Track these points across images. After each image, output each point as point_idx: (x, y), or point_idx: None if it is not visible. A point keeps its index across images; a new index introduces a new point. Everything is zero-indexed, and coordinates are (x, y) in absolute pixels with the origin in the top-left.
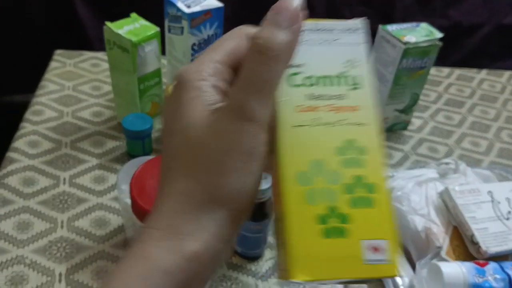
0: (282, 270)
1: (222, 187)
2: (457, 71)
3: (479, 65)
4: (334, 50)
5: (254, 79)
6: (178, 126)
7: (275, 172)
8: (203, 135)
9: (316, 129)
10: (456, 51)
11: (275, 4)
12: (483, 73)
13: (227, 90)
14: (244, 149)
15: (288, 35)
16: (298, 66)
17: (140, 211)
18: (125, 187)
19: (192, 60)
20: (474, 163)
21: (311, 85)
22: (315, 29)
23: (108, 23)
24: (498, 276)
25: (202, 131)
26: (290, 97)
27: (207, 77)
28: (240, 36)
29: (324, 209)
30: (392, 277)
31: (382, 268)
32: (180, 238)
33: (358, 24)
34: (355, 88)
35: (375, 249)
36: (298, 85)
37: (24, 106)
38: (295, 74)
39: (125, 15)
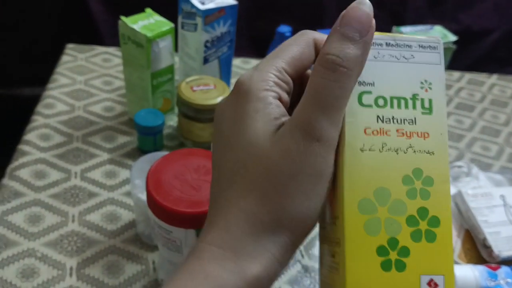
0: None
1: (289, 210)
2: (468, 75)
3: (489, 70)
4: (409, 69)
5: (324, 96)
6: (240, 140)
7: (337, 195)
8: (271, 153)
9: (385, 154)
10: (466, 56)
11: (344, 13)
12: (494, 78)
13: (288, 101)
14: (313, 171)
15: (360, 48)
16: (370, 84)
17: (155, 206)
18: (138, 182)
19: (204, 57)
20: (484, 167)
21: (382, 106)
22: (391, 43)
23: (123, 18)
24: (510, 280)
25: (270, 149)
26: (359, 118)
27: (271, 87)
28: (305, 42)
29: (386, 241)
30: None
31: None
32: (242, 259)
33: (437, 42)
34: (427, 113)
35: (433, 284)
36: (369, 105)
37: (33, 99)
38: (366, 93)
39: (138, 10)
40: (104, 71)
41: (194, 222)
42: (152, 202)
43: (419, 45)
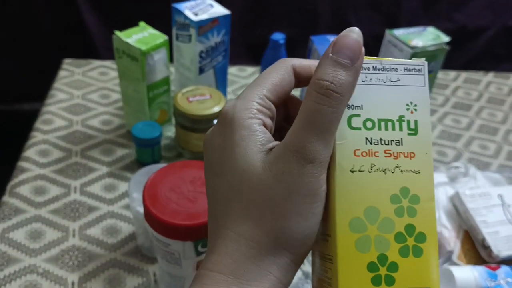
0: None
1: (287, 231)
2: (464, 74)
3: (485, 68)
4: (395, 92)
5: (318, 120)
6: (232, 168)
7: (329, 214)
8: (264, 177)
9: (373, 175)
10: (462, 54)
11: (335, 40)
12: (490, 75)
13: (272, 126)
14: (308, 192)
15: (352, 75)
16: (358, 107)
17: (153, 220)
18: (136, 195)
19: (199, 67)
20: (483, 166)
21: (370, 128)
22: (378, 67)
23: (117, 32)
24: (510, 280)
25: (262, 173)
26: (348, 140)
27: (256, 114)
28: (284, 69)
29: (376, 257)
30: None
31: None
32: (245, 283)
33: (421, 64)
34: (413, 134)
35: None
36: (358, 128)
37: (32, 114)
38: (355, 116)
39: (132, 23)
40: (101, 85)
41: (192, 234)
42: (149, 215)
43: (404, 68)
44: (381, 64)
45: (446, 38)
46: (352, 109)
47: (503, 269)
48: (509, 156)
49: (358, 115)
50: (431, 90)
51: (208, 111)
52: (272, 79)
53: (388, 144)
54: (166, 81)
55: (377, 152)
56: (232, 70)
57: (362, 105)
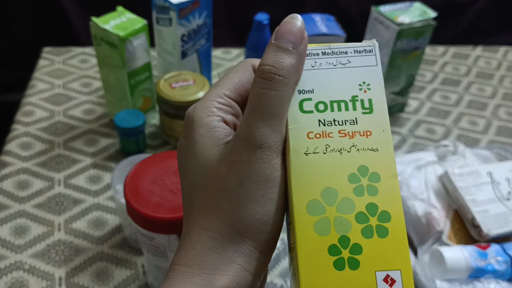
0: None
1: (244, 219)
2: (452, 49)
3: (474, 41)
4: (346, 73)
5: (262, 105)
6: (192, 164)
7: (288, 200)
8: (219, 169)
9: (329, 155)
10: (450, 29)
11: (277, 28)
12: (478, 50)
13: (235, 122)
14: (260, 178)
15: (294, 58)
16: (309, 91)
17: (135, 214)
18: (120, 187)
19: (182, 51)
20: (472, 142)
21: (323, 110)
22: (327, 52)
23: (94, 19)
24: (500, 258)
25: (218, 165)
26: (301, 124)
27: (214, 112)
28: (246, 68)
29: (337, 239)
30: None
31: None
32: (209, 273)
33: (372, 45)
34: (368, 112)
35: (390, 280)
36: (310, 111)
37: (13, 106)
38: (306, 100)
39: (112, 8)
40: (82, 73)
41: (176, 227)
42: (131, 210)
43: (354, 51)
44: (329, 48)
45: (433, 14)
46: (303, 93)
47: (493, 247)
48: (499, 132)
49: (310, 99)
50: (419, 66)
51: (192, 97)
52: (232, 78)
53: (342, 125)
54: (147, 67)
55: (331, 133)
56: (217, 53)
57: (313, 89)
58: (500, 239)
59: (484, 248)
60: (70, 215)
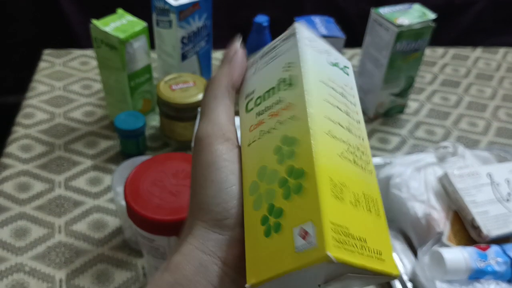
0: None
1: (193, 201)
2: (452, 51)
3: (474, 42)
4: (275, 64)
5: (202, 105)
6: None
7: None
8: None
9: (263, 139)
10: (450, 30)
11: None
12: (478, 51)
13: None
14: (201, 163)
15: (225, 65)
16: (251, 93)
17: (136, 216)
18: (120, 189)
19: (182, 53)
20: (472, 143)
21: (259, 103)
22: (262, 55)
23: (94, 21)
24: (500, 260)
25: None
26: (245, 122)
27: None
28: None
29: (266, 209)
30: (321, 263)
31: (311, 253)
32: (171, 254)
33: (291, 30)
34: (288, 88)
35: (303, 233)
36: (251, 109)
37: (13, 108)
38: (249, 101)
39: (112, 10)
40: (82, 75)
41: (176, 229)
42: (131, 212)
43: (280, 40)
44: (263, 51)
45: (432, 15)
46: (247, 97)
47: (493, 248)
48: (498, 133)
49: (251, 99)
50: (419, 68)
51: (192, 99)
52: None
53: (271, 108)
54: (147, 69)
55: (263, 119)
56: (217, 54)
57: (253, 90)
58: (500, 240)
59: (484, 249)
60: (71, 217)
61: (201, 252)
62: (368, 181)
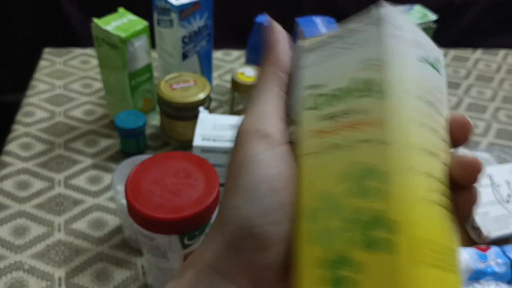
0: None
1: (221, 209)
2: (452, 52)
3: (473, 43)
4: (350, 55)
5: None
6: None
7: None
8: None
9: (330, 155)
10: (450, 31)
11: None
12: (478, 52)
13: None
14: (234, 162)
15: (271, 52)
16: (313, 86)
17: (136, 214)
18: (120, 188)
19: (183, 53)
20: (472, 145)
21: (327, 104)
22: (333, 36)
23: (96, 20)
24: (500, 261)
25: None
26: (303, 122)
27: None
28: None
29: (332, 253)
30: None
31: None
32: (182, 270)
33: (376, 13)
34: (372, 97)
35: None
36: (313, 108)
37: (13, 107)
38: (310, 95)
39: (113, 8)
40: (82, 74)
41: (177, 227)
42: (132, 210)
43: (360, 23)
44: (334, 31)
45: (433, 16)
46: (308, 89)
47: (493, 250)
48: (498, 134)
49: (314, 94)
50: None
51: (193, 98)
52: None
53: (346, 115)
54: (148, 68)
55: (333, 127)
56: (217, 54)
57: (318, 83)
58: (500, 241)
59: (484, 250)
60: (70, 216)
61: (213, 272)
62: (447, 224)
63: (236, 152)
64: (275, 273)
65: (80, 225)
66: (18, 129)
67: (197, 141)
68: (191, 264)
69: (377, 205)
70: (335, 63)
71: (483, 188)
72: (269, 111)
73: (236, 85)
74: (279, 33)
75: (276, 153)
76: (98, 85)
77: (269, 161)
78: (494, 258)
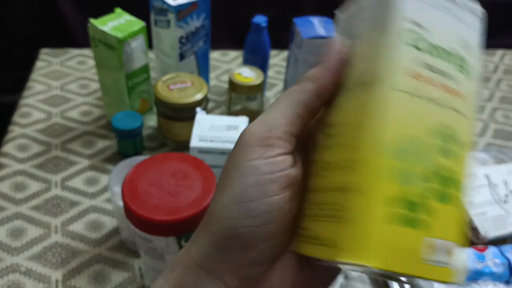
0: (335, 247)
1: (209, 207)
2: None
3: None
4: (452, 23)
5: None
6: None
7: (356, 132)
8: None
9: (422, 102)
10: None
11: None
12: None
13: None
14: (230, 162)
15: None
16: (416, 24)
17: (133, 216)
18: (117, 189)
19: (180, 53)
20: None
21: (425, 51)
22: None
23: (92, 20)
24: (498, 261)
25: None
26: (400, 55)
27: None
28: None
29: (412, 195)
30: (449, 283)
31: (440, 271)
32: (170, 268)
33: (479, 9)
34: (464, 73)
35: (443, 250)
36: (412, 45)
37: (10, 108)
38: (411, 31)
39: (110, 9)
40: (79, 74)
41: (174, 229)
42: (129, 212)
43: (463, 5)
44: None
45: None
46: (415, 25)
47: (491, 250)
48: (496, 134)
49: (415, 32)
50: None
51: (190, 99)
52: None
53: (444, 76)
54: (145, 69)
55: (433, 80)
56: (215, 55)
57: (420, 23)
58: (498, 242)
59: (482, 250)
60: (67, 217)
61: (200, 269)
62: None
63: (235, 153)
64: (261, 269)
65: (77, 226)
66: (14, 130)
67: (194, 142)
68: (179, 263)
69: (454, 167)
70: (440, 19)
71: (481, 188)
72: (281, 121)
73: (233, 86)
74: (335, 51)
75: (273, 162)
76: (95, 85)
77: (264, 167)
78: (492, 258)
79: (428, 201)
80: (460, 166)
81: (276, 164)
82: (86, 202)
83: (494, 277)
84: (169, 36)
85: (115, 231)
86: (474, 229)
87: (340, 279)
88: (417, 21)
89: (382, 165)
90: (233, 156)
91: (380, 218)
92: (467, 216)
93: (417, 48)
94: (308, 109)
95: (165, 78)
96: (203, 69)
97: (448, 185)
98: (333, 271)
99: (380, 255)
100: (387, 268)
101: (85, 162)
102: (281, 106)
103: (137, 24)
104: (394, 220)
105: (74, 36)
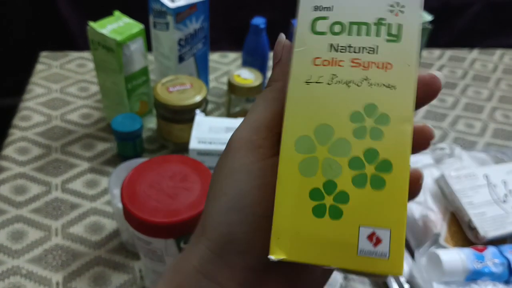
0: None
1: (204, 209)
2: (449, 52)
3: (470, 44)
4: None
5: None
6: None
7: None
8: None
9: (334, 87)
10: (447, 31)
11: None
12: (475, 52)
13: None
14: (222, 169)
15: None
16: (327, 8)
17: (132, 218)
18: (117, 192)
19: (179, 55)
20: (468, 145)
21: (338, 32)
22: None
23: (92, 23)
24: (497, 261)
25: None
26: (309, 47)
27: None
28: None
29: (322, 183)
30: (390, 276)
31: (379, 263)
32: (170, 275)
33: None
34: (394, 40)
35: (375, 239)
36: (322, 33)
37: (10, 111)
38: (321, 18)
39: (109, 12)
40: (79, 77)
41: (173, 231)
42: (128, 214)
43: None
44: None
45: (429, 17)
46: (320, 10)
47: (490, 250)
48: (495, 134)
49: (325, 18)
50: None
51: (189, 101)
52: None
53: (358, 52)
54: (144, 71)
55: (342, 61)
56: (214, 56)
57: (332, 6)
58: (497, 241)
59: (481, 250)
60: (67, 220)
61: (201, 276)
62: None
63: (227, 158)
64: (260, 274)
65: (77, 229)
66: (14, 133)
67: (194, 144)
68: (178, 269)
69: (376, 146)
70: None
71: (480, 188)
72: (262, 122)
73: (232, 87)
74: (286, 45)
75: (265, 165)
76: (94, 88)
77: (257, 172)
78: (491, 258)
79: (336, 188)
80: (387, 144)
81: (267, 167)
82: (86, 205)
83: (493, 277)
84: (168, 38)
85: (115, 233)
86: (474, 229)
87: (340, 280)
88: (332, 5)
89: (287, 158)
90: (225, 163)
91: (290, 211)
92: (405, 198)
93: (320, 31)
94: (283, 104)
95: (164, 80)
96: (202, 71)
97: (364, 168)
98: (326, 272)
99: (295, 248)
100: (302, 260)
101: (85, 165)
102: (260, 107)
103: (136, 26)
104: (305, 211)
105: (73, 39)
